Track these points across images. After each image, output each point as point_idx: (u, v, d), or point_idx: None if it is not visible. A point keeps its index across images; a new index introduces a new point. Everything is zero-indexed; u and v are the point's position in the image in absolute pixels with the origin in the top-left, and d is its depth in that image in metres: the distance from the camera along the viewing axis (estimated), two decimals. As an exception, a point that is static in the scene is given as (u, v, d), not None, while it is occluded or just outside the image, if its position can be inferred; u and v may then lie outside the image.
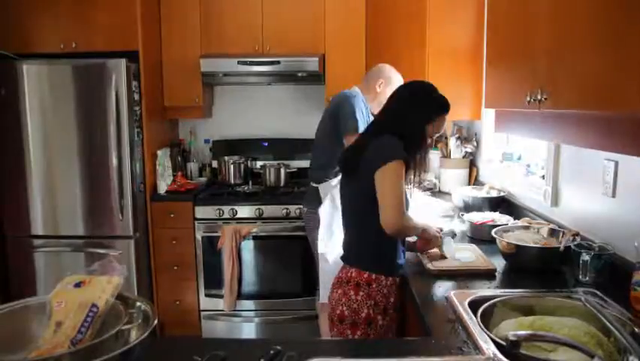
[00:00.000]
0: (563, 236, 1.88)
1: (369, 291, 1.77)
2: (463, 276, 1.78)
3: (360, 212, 1.83)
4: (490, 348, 1.24)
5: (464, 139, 3.32)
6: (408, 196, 1.86)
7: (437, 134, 1.93)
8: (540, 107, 1.50)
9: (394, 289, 1.81)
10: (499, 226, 2.09)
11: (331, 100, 2.88)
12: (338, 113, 2.68)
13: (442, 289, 1.68)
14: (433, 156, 3.49)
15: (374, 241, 1.79)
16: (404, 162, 1.74)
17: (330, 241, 2.65)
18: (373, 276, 1.77)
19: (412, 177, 1.84)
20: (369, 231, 1.79)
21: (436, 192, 3.30)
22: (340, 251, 1.95)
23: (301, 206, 3.22)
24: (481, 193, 2.75)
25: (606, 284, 1.64)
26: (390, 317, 1.81)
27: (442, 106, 1.86)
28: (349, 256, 1.88)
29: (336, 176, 2.68)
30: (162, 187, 3.45)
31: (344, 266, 1.86)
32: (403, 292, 1.85)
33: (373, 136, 1.82)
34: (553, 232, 1.96)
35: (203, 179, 3.78)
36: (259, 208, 3.32)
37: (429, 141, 1.87)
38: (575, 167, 2.07)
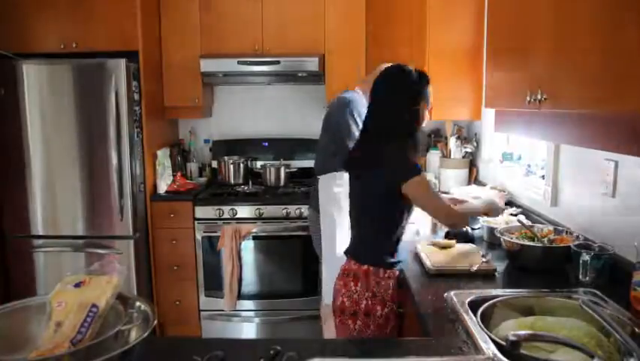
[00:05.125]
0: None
1: (367, 283, 1.82)
2: (463, 276, 1.78)
3: (361, 210, 1.91)
4: (490, 348, 1.24)
5: (464, 139, 3.32)
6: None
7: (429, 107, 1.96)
8: (540, 107, 1.50)
9: (393, 282, 1.84)
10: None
11: (330, 104, 2.86)
12: (336, 120, 2.68)
13: (442, 289, 1.67)
14: (433, 156, 3.49)
15: (372, 236, 1.88)
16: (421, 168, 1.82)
17: (336, 243, 2.66)
18: (371, 269, 1.83)
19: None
20: (368, 227, 1.89)
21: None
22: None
23: (301, 206, 3.23)
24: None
25: (606, 284, 1.64)
26: (390, 309, 1.83)
27: (419, 84, 1.87)
28: (350, 249, 1.95)
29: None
30: (162, 187, 3.44)
31: (347, 259, 1.92)
32: (402, 291, 1.85)
33: (381, 140, 1.84)
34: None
35: (203, 179, 3.78)
36: (259, 208, 3.32)
37: (426, 116, 1.92)
38: (575, 167, 2.07)
